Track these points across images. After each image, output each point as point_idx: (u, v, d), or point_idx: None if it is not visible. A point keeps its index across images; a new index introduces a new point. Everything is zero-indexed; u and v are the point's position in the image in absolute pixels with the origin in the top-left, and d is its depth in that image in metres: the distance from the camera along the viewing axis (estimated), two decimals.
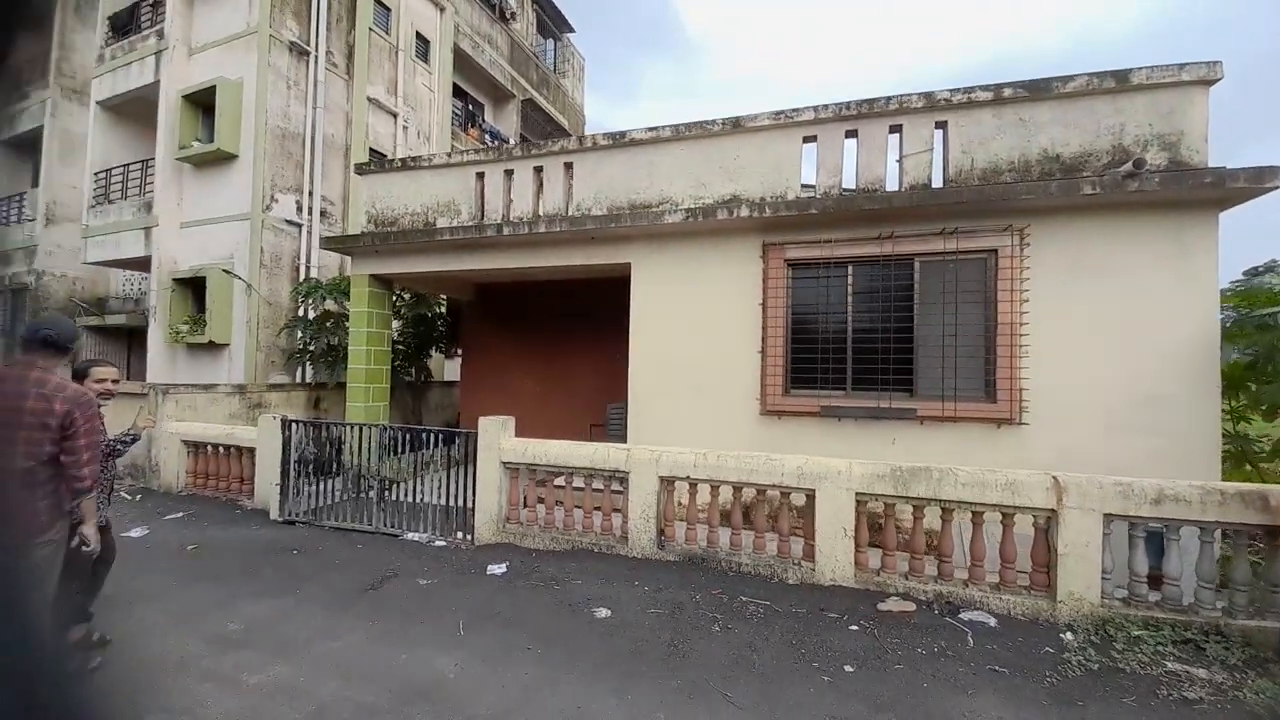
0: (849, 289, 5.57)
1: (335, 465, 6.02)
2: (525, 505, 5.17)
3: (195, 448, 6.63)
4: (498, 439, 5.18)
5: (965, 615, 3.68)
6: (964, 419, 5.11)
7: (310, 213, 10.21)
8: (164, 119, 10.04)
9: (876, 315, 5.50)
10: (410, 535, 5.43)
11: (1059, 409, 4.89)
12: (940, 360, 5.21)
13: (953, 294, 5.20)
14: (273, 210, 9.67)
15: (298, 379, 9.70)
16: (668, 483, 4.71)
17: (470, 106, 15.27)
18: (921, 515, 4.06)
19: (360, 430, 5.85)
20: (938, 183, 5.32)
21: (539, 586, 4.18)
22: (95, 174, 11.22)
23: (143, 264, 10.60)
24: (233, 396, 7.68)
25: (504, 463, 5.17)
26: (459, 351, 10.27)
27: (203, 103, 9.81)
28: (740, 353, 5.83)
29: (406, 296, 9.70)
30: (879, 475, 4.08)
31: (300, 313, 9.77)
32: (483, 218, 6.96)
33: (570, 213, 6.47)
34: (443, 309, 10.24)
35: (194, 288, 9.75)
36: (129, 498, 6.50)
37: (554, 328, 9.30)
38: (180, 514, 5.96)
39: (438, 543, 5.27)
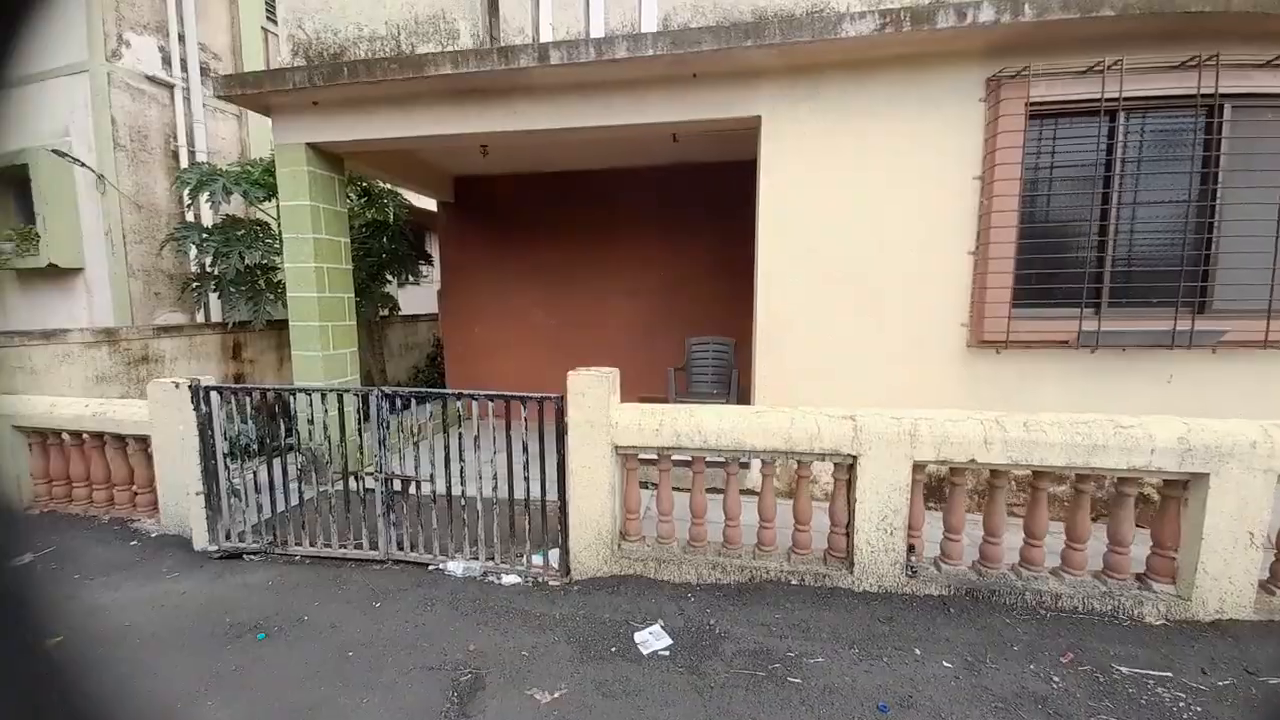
0: (1118, 150, 3.63)
1: (282, 447, 3.66)
2: (659, 514, 3.13)
3: (42, 439, 3.95)
4: (605, 407, 3.02)
5: None
6: None
7: (184, 65, 6.80)
8: None
9: (1155, 192, 3.63)
10: (452, 566, 3.30)
11: None
12: (1261, 260, 3.48)
13: None
14: (123, 58, 6.25)
15: (200, 318, 6.77)
16: (919, 469, 2.81)
17: None
18: None
19: (335, 400, 3.46)
20: None
21: (755, 678, 2.26)
22: None
23: None
24: (97, 347, 4.85)
25: (617, 446, 3.05)
26: (424, 275, 7.60)
27: None
28: (940, 254, 3.84)
29: (352, 194, 6.77)
30: None
31: (191, 216, 6.66)
32: (495, 40, 4.29)
33: (651, 29, 3.96)
34: (400, 212, 7.35)
35: (15, 185, 6.34)
36: None
37: (580, 234, 6.84)
38: (27, 555, 3.44)
39: (507, 578, 3.19)
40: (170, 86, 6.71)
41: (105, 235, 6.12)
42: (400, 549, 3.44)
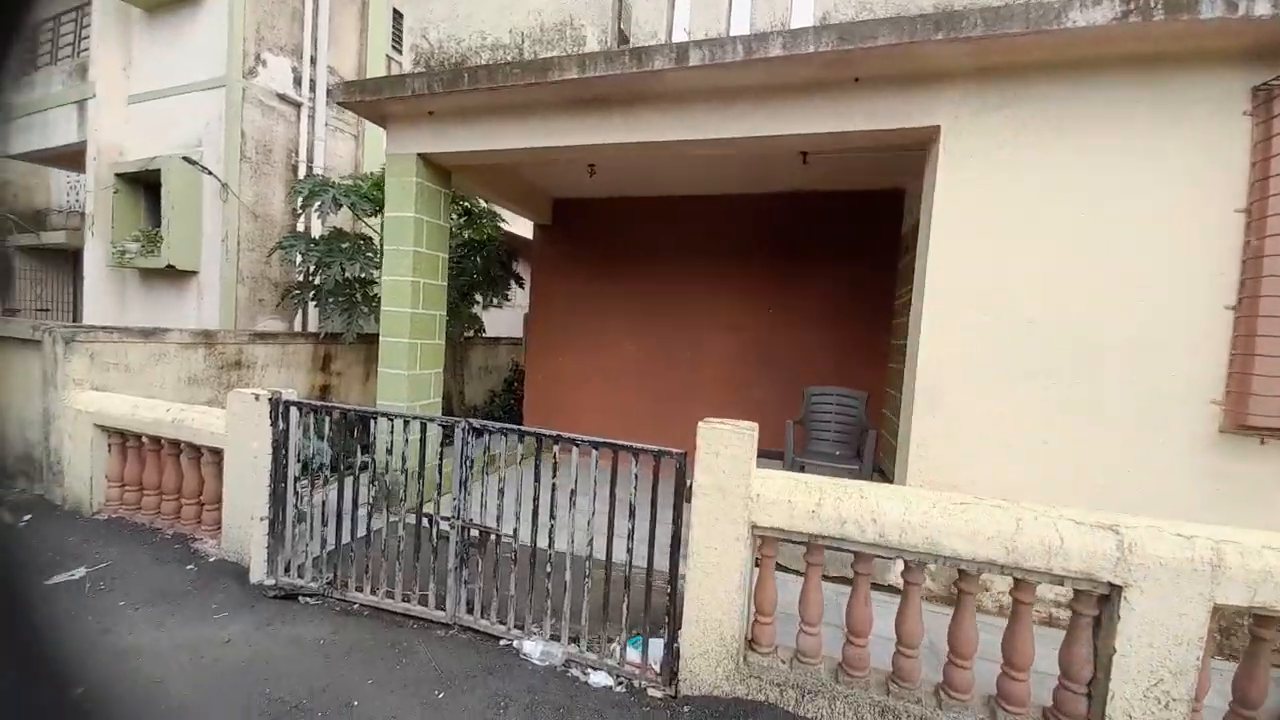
0: None
1: (355, 471, 3.21)
2: (803, 623, 2.37)
3: (121, 440, 3.78)
4: (745, 473, 2.34)
5: None
6: None
7: (313, 86, 7.06)
8: None
9: None
10: (529, 647, 2.68)
11: None
12: None
13: None
14: (259, 77, 6.54)
15: (297, 326, 6.79)
16: (1217, 614, 1.90)
17: None
18: None
19: (417, 428, 3.01)
20: None
21: None
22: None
23: (77, 157, 7.50)
24: (193, 349, 4.78)
25: (755, 526, 2.34)
26: (510, 299, 7.33)
27: None
28: (1183, 307, 2.93)
29: (454, 213, 6.65)
30: None
31: (300, 227, 6.77)
32: (625, 43, 3.92)
33: (804, 25, 3.41)
34: (496, 232, 7.17)
35: (147, 189, 6.72)
36: (10, 520, 3.72)
37: (680, 264, 6.34)
38: (80, 569, 3.16)
39: (595, 676, 2.53)
40: (298, 105, 6.96)
41: (221, 242, 6.27)
42: (470, 612, 2.87)
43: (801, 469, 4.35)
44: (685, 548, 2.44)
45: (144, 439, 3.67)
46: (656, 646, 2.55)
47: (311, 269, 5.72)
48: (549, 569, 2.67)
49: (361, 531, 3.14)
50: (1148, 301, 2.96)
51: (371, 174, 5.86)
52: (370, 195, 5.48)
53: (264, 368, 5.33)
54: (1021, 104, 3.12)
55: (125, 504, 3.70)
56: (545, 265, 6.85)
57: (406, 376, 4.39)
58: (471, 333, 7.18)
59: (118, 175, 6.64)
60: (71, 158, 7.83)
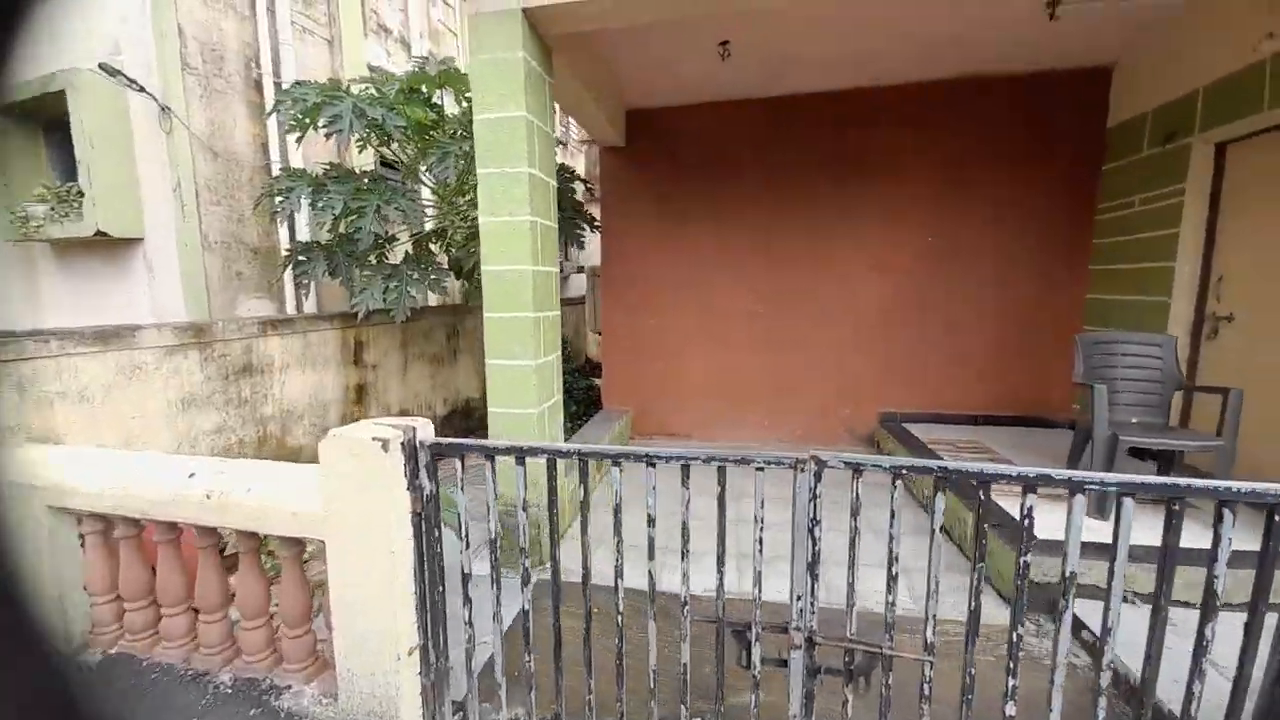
0: None
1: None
2: None
3: (103, 527, 2.19)
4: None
5: None
6: None
7: None
8: None
9: None
10: None
11: None
12: None
13: None
14: None
15: (292, 308, 5.00)
16: None
17: None
18: None
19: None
20: None
21: None
22: None
23: None
24: (181, 353, 3.10)
25: None
26: (583, 244, 5.75)
27: None
28: None
29: None
30: None
31: (291, 162, 4.87)
32: None
33: None
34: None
35: (50, 127, 4.62)
36: None
37: (807, 187, 4.95)
38: None
39: None
40: None
41: (174, 192, 4.36)
42: None
43: (1168, 459, 3.20)
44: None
45: (144, 522, 2.11)
46: None
47: (328, 223, 3.97)
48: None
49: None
50: None
51: (392, 75, 4.03)
52: (402, 107, 3.74)
53: (283, 369, 3.69)
54: None
55: (132, 633, 2.17)
56: (620, 201, 5.29)
57: (534, 369, 2.92)
58: None
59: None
60: None
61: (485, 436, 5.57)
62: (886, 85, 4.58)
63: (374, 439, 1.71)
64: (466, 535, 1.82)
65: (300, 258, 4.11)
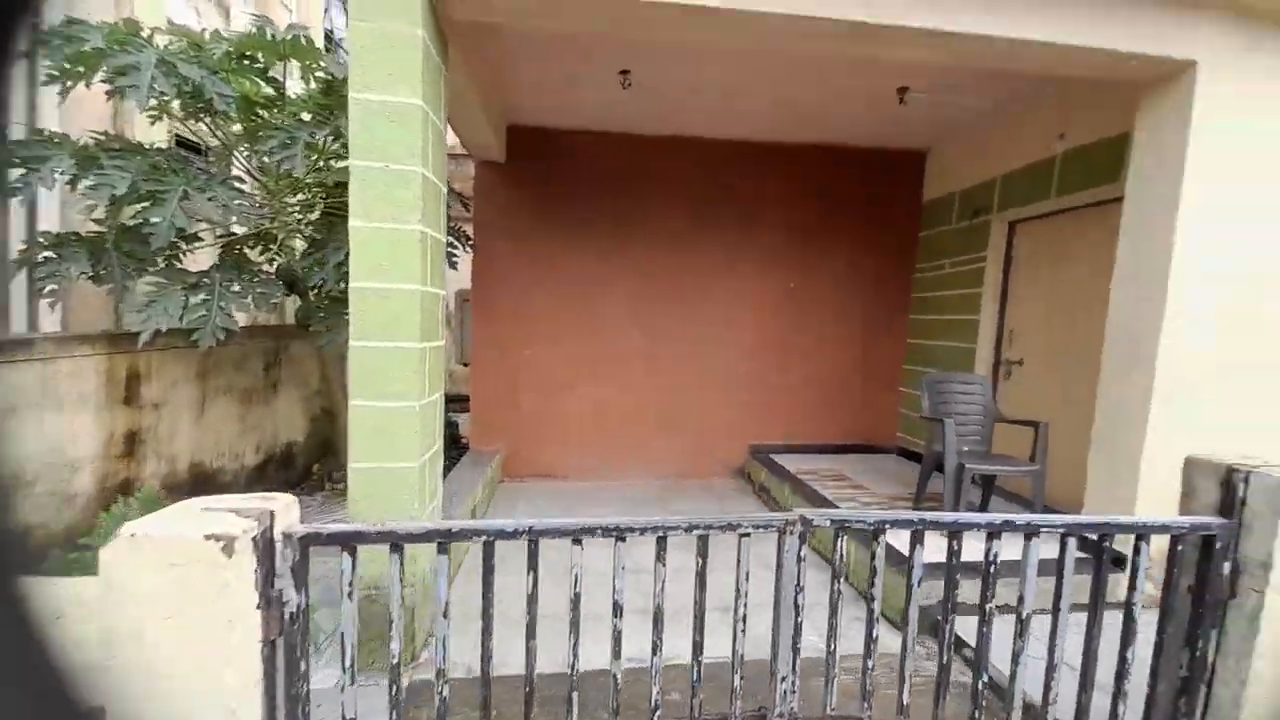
0: None
1: None
2: None
3: None
4: None
5: None
6: None
7: None
8: None
9: None
10: None
11: None
12: None
13: None
14: None
15: (24, 325, 3.54)
16: None
17: None
18: None
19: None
20: None
21: None
22: None
23: None
24: None
25: None
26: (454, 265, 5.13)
27: None
28: None
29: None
30: None
31: (42, 126, 3.50)
32: None
33: None
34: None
35: None
36: None
37: (690, 225, 5.08)
38: None
39: None
40: None
41: None
42: None
43: (988, 483, 3.68)
44: None
45: None
46: None
47: (103, 209, 2.88)
48: None
49: None
50: None
51: (216, 36, 3.14)
52: (229, 74, 2.92)
53: (7, 414, 2.51)
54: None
55: None
56: (497, 222, 4.85)
57: (419, 411, 2.38)
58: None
59: None
60: None
61: (314, 490, 4.56)
62: (761, 141, 4.93)
63: (208, 537, 1.13)
64: (354, 663, 1.30)
65: (47, 254, 2.92)
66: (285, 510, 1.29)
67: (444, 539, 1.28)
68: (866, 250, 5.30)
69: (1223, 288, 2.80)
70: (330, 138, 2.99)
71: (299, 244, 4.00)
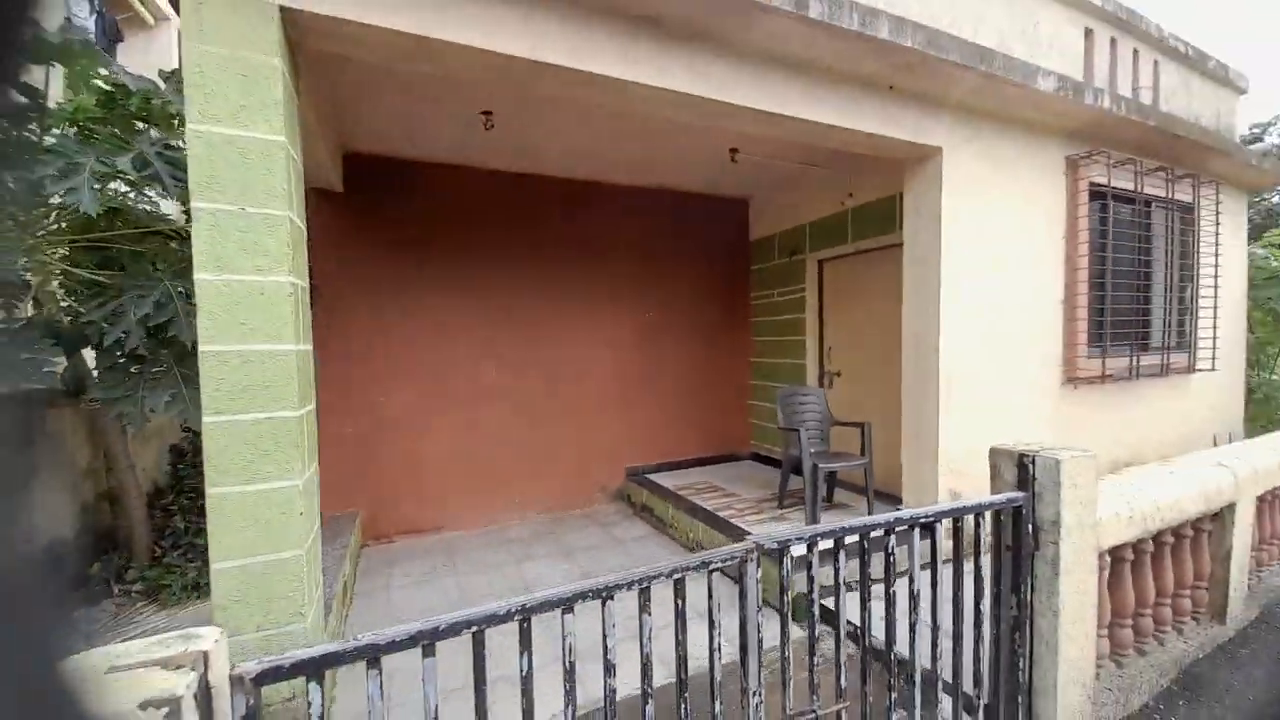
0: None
1: None
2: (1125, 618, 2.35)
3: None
4: (1093, 499, 2.14)
5: None
6: None
7: None
8: None
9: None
10: None
11: None
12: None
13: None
14: None
15: None
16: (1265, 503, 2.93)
17: None
18: None
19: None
20: None
21: None
22: None
23: None
24: None
25: (1107, 551, 2.19)
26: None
27: None
28: (1041, 302, 4.25)
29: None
30: None
31: None
32: None
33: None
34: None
35: None
36: None
37: (543, 261, 5.13)
38: None
39: None
40: None
41: None
42: None
43: (831, 477, 4.30)
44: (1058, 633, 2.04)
45: None
46: None
47: None
48: None
49: None
50: (1028, 298, 4.12)
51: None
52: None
53: None
54: (982, 141, 3.84)
55: None
56: (338, 258, 4.32)
57: (300, 489, 2.04)
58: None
59: None
60: None
61: (98, 599, 3.47)
62: (615, 183, 5.22)
63: (144, 705, 0.88)
64: None
65: None
66: (219, 648, 1.05)
67: (430, 639, 1.17)
68: (711, 281, 5.92)
69: (977, 314, 3.80)
70: (135, 167, 2.40)
71: (56, 289, 3.11)
